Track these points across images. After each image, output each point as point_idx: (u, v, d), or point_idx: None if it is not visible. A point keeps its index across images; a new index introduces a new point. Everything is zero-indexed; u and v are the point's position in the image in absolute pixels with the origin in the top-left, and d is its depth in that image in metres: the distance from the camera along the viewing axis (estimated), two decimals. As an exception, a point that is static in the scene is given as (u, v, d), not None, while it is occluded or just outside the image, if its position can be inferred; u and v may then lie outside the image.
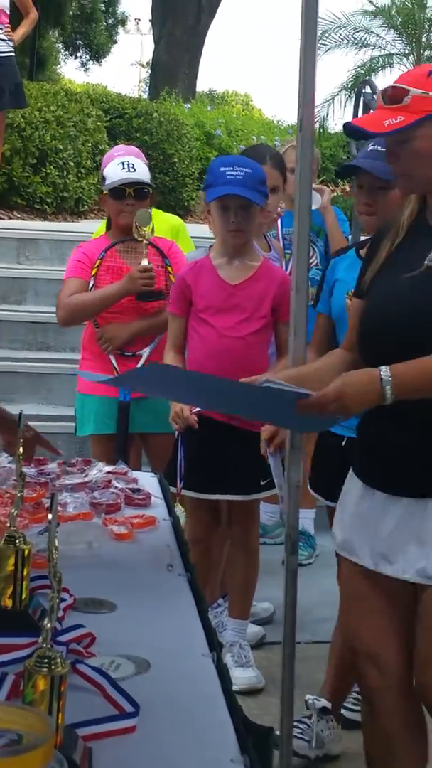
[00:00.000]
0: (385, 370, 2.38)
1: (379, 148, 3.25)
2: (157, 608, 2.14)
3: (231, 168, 3.76)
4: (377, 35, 23.35)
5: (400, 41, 23.53)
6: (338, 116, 22.48)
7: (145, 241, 4.27)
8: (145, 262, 4.24)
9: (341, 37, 22.89)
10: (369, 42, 23.37)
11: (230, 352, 3.72)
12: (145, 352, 4.30)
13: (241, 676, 3.83)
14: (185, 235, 5.13)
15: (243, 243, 3.83)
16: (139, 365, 4.22)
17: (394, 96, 2.52)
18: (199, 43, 18.52)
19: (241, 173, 3.73)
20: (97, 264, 4.30)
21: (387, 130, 2.50)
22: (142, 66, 32.68)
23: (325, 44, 21.89)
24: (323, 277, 3.66)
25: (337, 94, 23.31)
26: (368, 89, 9.46)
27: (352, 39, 23.08)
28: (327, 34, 22.11)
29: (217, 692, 1.78)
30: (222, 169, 3.78)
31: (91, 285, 4.29)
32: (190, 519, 3.92)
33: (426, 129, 2.50)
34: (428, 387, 2.43)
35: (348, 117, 11.94)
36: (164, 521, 2.70)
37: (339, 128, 21.65)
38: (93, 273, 4.29)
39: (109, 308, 4.26)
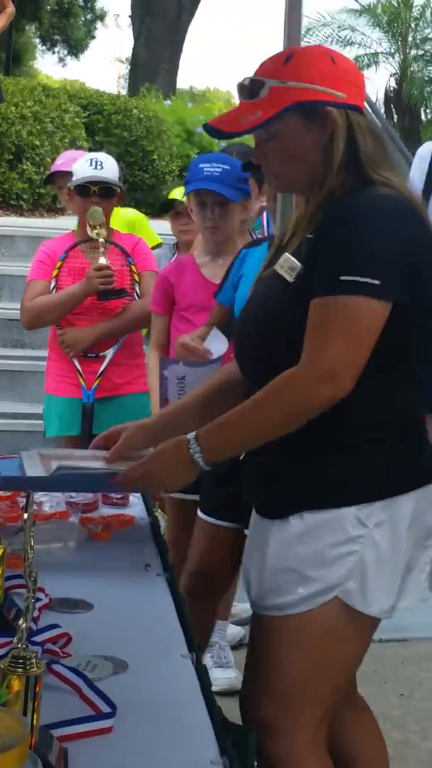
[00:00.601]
0: (192, 441, 2.22)
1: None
2: (135, 608, 2.12)
3: (209, 164, 3.74)
4: (362, 33, 23.41)
5: (386, 39, 23.59)
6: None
7: (101, 239, 4.21)
8: (102, 261, 4.18)
9: (326, 35, 22.93)
10: (354, 40, 23.42)
11: None
12: (109, 353, 4.23)
13: (221, 677, 3.81)
14: (146, 229, 5.11)
15: (221, 240, 3.79)
16: (102, 367, 4.20)
17: (251, 89, 2.27)
18: (179, 40, 18.51)
19: (219, 169, 3.70)
20: (58, 265, 4.26)
21: (243, 129, 2.28)
22: (121, 62, 32.66)
23: (309, 42, 21.91)
24: (230, 267, 3.56)
25: (321, 92, 23.33)
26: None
27: (337, 37, 23.12)
28: (311, 32, 22.14)
29: (196, 693, 1.76)
30: (201, 165, 3.76)
31: (52, 286, 4.24)
32: (170, 520, 3.89)
33: (287, 122, 2.25)
34: (244, 443, 2.27)
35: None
36: (142, 521, 2.68)
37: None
38: (54, 274, 4.25)
39: (73, 310, 4.22)
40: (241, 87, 2.29)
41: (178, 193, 5.04)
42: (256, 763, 1.96)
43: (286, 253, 2.27)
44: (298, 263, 2.23)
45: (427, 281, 2.21)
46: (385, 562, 2.23)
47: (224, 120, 2.34)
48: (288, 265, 2.26)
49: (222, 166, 3.72)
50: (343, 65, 2.29)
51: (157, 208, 5.26)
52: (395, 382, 2.23)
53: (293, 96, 2.22)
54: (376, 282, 2.12)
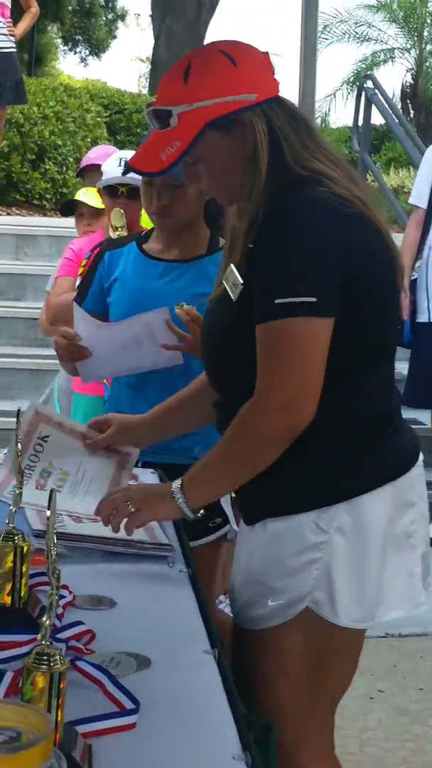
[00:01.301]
0: (179, 497, 2.20)
1: None
2: (158, 605, 2.13)
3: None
4: (379, 29, 23.38)
5: (402, 35, 23.53)
6: (340, 111, 22.42)
7: None
8: None
9: (342, 31, 22.92)
10: (371, 36, 23.40)
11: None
12: None
13: None
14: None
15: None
16: None
17: (160, 119, 2.19)
18: (199, 39, 18.46)
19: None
20: (83, 263, 4.29)
21: (166, 165, 2.17)
22: (142, 61, 32.63)
23: (326, 39, 21.91)
24: (93, 268, 3.29)
25: (339, 89, 23.35)
26: (370, 84, 9.49)
27: (354, 33, 23.11)
28: (328, 29, 22.13)
29: (219, 689, 1.77)
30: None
31: (77, 284, 4.26)
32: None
33: (207, 143, 2.17)
34: (227, 485, 2.27)
35: (350, 111, 11.91)
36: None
37: (341, 123, 21.68)
38: (80, 272, 4.28)
39: None
40: (150, 115, 2.21)
41: (81, 194, 5.10)
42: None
43: (231, 265, 2.21)
44: (239, 279, 2.17)
45: (371, 286, 2.14)
46: (353, 568, 2.16)
47: (144, 157, 2.25)
48: (232, 279, 2.20)
49: None
50: (246, 61, 2.19)
51: (60, 207, 5.29)
52: (349, 390, 2.16)
53: (204, 116, 2.15)
54: (313, 299, 2.06)
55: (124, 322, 3.03)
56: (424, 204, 5.90)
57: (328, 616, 2.18)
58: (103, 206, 4.93)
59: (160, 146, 2.18)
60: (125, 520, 2.26)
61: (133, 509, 2.25)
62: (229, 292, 2.20)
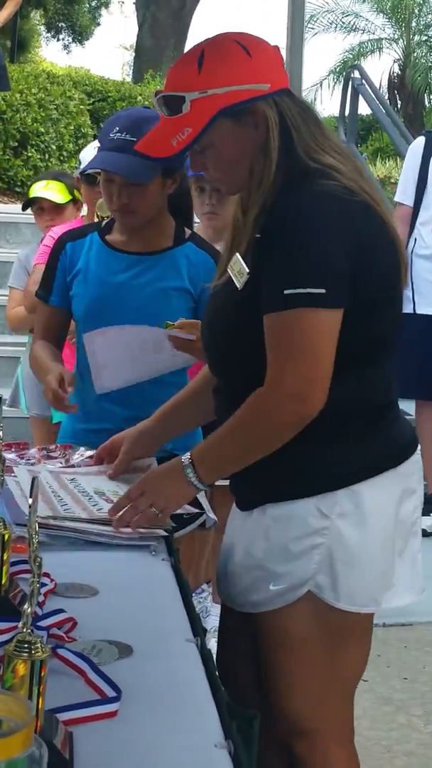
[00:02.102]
0: (186, 462, 2.24)
1: (128, 138, 2.84)
2: (140, 593, 2.12)
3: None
4: (366, 20, 23.42)
5: (389, 25, 23.56)
6: (326, 101, 22.46)
7: None
8: None
9: (329, 21, 22.95)
10: (358, 26, 23.43)
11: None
12: None
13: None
14: None
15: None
16: None
17: (171, 106, 2.19)
18: (183, 28, 18.45)
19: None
20: None
21: (176, 151, 2.19)
22: (126, 49, 32.59)
23: (312, 28, 21.91)
24: (55, 258, 3.19)
25: (325, 79, 23.38)
26: (357, 74, 9.48)
27: (341, 23, 23.13)
28: (315, 18, 22.15)
29: (201, 677, 1.76)
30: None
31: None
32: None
33: (218, 130, 2.18)
34: (235, 464, 2.25)
35: (336, 102, 11.92)
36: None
37: (327, 112, 21.67)
38: None
39: None
40: (160, 102, 2.21)
41: (40, 188, 5.05)
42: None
43: (237, 254, 2.22)
44: (246, 268, 2.18)
45: (378, 278, 2.17)
46: (355, 553, 2.19)
47: (153, 142, 2.24)
48: (237, 268, 2.21)
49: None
50: (259, 52, 2.20)
51: (22, 205, 5.28)
52: (354, 379, 2.19)
53: (217, 103, 2.15)
54: (322, 291, 2.08)
55: (130, 327, 2.99)
56: (410, 202, 5.91)
57: (330, 600, 2.21)
58: (63, 201, 4.92)
59: (171, 132, 2.19)
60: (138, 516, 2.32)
61: (150, 505, 2.31)
62: (235, 281, 2.22)
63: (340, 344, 2.13)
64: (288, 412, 2.13)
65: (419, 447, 2.36)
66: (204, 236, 3.77)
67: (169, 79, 2.25)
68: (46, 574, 2.01)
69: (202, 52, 2.20)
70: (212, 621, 3.94)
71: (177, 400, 2.62)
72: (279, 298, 2.10)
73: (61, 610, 1.88)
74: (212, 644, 3.74)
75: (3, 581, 1.86)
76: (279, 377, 2.12)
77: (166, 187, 3.03)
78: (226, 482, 2.39)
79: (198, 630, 1.94)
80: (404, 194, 5.95)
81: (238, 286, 2.21)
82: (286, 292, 2.09)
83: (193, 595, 2.92)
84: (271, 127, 2.18)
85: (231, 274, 2.24)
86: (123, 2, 33.45)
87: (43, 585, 1.97)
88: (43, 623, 1.80)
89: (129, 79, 19.62)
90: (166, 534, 2.39)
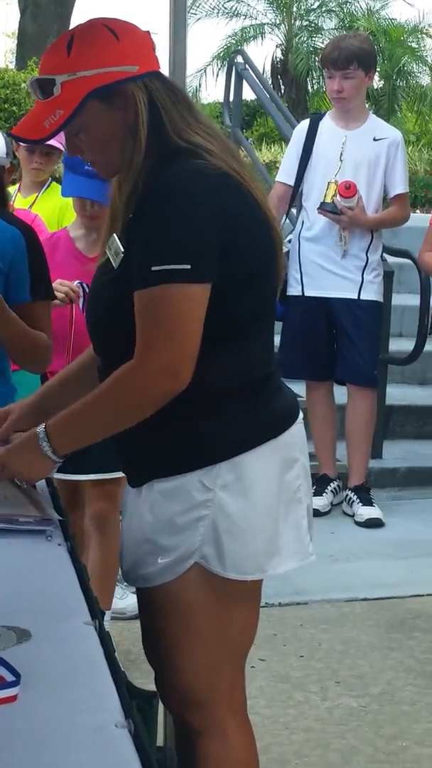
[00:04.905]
0: (42, 435, 2.28)
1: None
2: (37, 578, 2.12)
3: None
4: (248, 5, 23.51)
5: (271, 11, 23.67)
6: (211, 86, 22.45)
7: None
8: None
9: (211, 6, 22.98)
10: (240, 11, 23.49)
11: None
12: None
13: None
14: (73, 213, 5.16)
15: (101, 226, 3.76)
16: None
17: (43, 88, 2.23)
18: (66, 14, 18.27)
19: None
20: None
21: (48, 133, 2.22)
22: (8, 36, 32.13)
23: (195, 14, 21.92)
24: None
25: (209, 64, 23.40)
26: (240, 59, 9.50)
27: (223, 8, 23.17)
28: (197, 4, 22.15)
29: (100, 659, 1.77)
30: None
31: None
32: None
33: (89, 112, 2.22)
34: (90, 437, 2.31)
35: (221, 87, 11.94)
36: (42, 491, 2.67)
37: (212, 98, 21.71)
38: None
39: None
40: (33, 86, 2.24)
41: None
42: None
43: (114, 235, 2.26)
44: (121, 247, 2.22)
45: (249, 255, 2.21)
46: (239, 523, 2.25)
47: (27, 125, 2.28)
48: (114, 248, 2.25)
49: None
50: (128, 35, 2.24)
51: None
52: (226, 354, 2.24)
53: (86, 85, 2.19)
54: (187, 267, 2.12)
55: None
56: (290, 181, 5.96)
57: (217, 570, 2.26)
58: None
59: (44, 115, 2.23)
60: None
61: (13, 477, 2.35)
62: (112, 261, 2.26)
63: (211, 320, 2.17)
64: (155, 388, 2.17)
65: (300, 416, 2.41)
66: (80, 225, 3.91)
67: (42, 64, 2.29)
68: None
69: (71, 36, 2.24)
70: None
71: (63, 375, 2.65)
72: (147, 275, 2.14)
73: (-43, 598, 1.87)
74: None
75: None
76: (147, 352, 2.16)
77: None
78: None
79: (96, 612, 1.95)
80: (285, 174, 6.01)
81: (114, 266, 2.25)
82: (153, 268, 2.13)
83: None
84: (140, 109, 2.22)
85: (109, 255, 2.28)
86: (4, -12, 33.05)
87: None
88: None
89: (12, 66, 19.38)
90: (61, 518, 2.40)
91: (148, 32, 2.31)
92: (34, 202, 5.22)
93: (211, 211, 2.16)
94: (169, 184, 2.18)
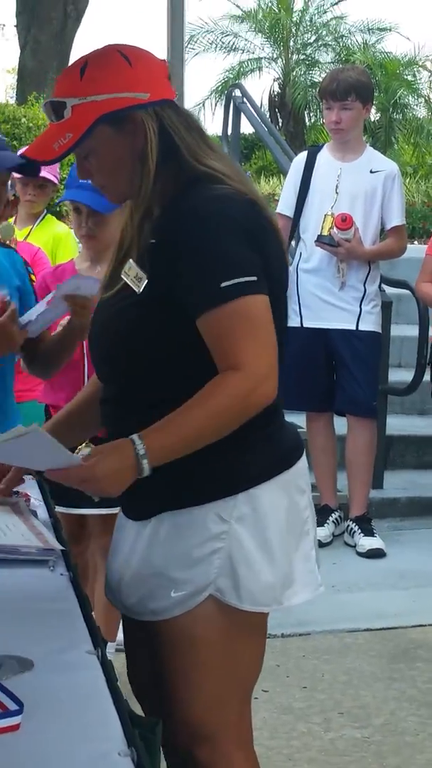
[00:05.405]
0: (139, 444, 2.10)
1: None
2: (40, 608, 2.13)
3: None
4: (245, 39, 23.68)
5: (268, 45, 23.84)
6: (209, 120, 22.60)
7: None
8: None
9: (209, 41, 23.14)
10: (237, 46, 23.67)
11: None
12: None
13: None
14: (67, 245, 5.17)
15: (99, 248, 3.79)
16: None
17: (55, 111, 2.25)
18: (66, 49, 18.42)
19: None
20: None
21: (57, 155, 2.23)
22: (9, 72, 32.37)
23: (193, 49, 22.08)
24: None
25: (207, 98, 23.55)
26: (238, 93, 9.56)
27: (221, 43, 23.34)
28: (195, 39, 22.31)
29: (103, 688, 1.78)
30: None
31: None
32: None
33: (99, 137, 2.24)
34: (185, 447, 2.15)
35: (219, 121, 12.00)
36: (44, 522, 2.68)
37: (210, 132, 21.82)
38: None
39: None
40: (47, 108, 2.27)
41: None
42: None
43: (131, 261, 2.26)
44: (143, 273, 2.22)
45: (273, 273, 2.22)
46: (254, 555, 2.24)
47: (38, 147, 2.30)
48: (133, 274, 2.24)
49: None
50: (141, 62, 2.26)
51: None
52: None
53: (96, 110, 2.21)
54: (254, 278, 2.14)
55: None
56: (290, 213, 5.99)
57: (233, 602, 2.25)
58: None
59: (54, 137, 2.24)
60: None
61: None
62: (132, 286, 2.24)
63: None
64: (260, 395, 2.15)
65: (304, 454, 2.41)
66: (86, 258, 3.86)
67: (55, 87, 2.31)
68: None
69: (86, 61, 2.27)
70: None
71: (69, 410, 2.61)
72: (216, 292, 2.12)
73: (-41, 628, 1.88)
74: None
75: None
76: (246, 361, 2.13)
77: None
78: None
79: (98, 641, 1.96)
80: (284, 206, 6.03)
81: (137, 291, 2.23)
82: (222, 285, 2.12)
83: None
84: (149, 136, 2.23)
85: (127, 281, 2.26)
86: (4, 25, 33.33)
87: None
88: None
89: (12, 101, 19.51)
90: (63, 549, 2.40)
91: (164, 61, 2.33)
92: (28, 234, 5.26)
93: (244, 234, 2.18)
94: (206, 207, 2.18)
